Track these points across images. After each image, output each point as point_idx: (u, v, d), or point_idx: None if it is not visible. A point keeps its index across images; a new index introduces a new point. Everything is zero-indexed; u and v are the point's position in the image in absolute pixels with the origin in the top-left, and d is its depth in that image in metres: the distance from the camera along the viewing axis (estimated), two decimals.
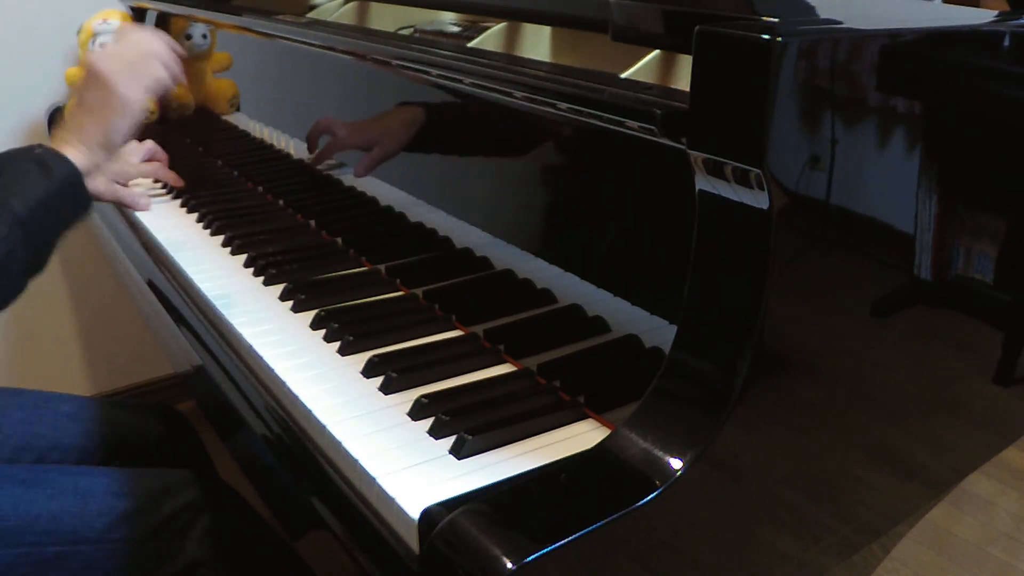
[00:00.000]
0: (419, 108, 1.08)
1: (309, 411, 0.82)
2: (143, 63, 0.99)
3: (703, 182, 0.68)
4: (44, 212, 0.88)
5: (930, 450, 0.91)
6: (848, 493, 0.82)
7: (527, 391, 0.84)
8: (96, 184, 1.29)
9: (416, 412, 0.80)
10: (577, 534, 0.61)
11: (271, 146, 1.48)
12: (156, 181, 1.45)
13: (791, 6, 0.80)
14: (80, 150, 0.93)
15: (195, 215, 1.35)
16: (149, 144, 1.42)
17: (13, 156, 0.91)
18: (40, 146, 0.91)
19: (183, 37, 1.70)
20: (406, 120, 1.10)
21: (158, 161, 1.41)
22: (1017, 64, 0.84)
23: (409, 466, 0.73)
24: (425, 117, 1.08)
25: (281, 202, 1.38)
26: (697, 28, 0.64)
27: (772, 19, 0.67)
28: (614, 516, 0.63)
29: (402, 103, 1.11)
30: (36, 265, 0.89)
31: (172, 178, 1.39)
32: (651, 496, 0.64)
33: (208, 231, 1.29)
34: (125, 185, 1.33)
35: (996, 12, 0.90)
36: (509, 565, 0.59)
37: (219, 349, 1.01)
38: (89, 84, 0.97)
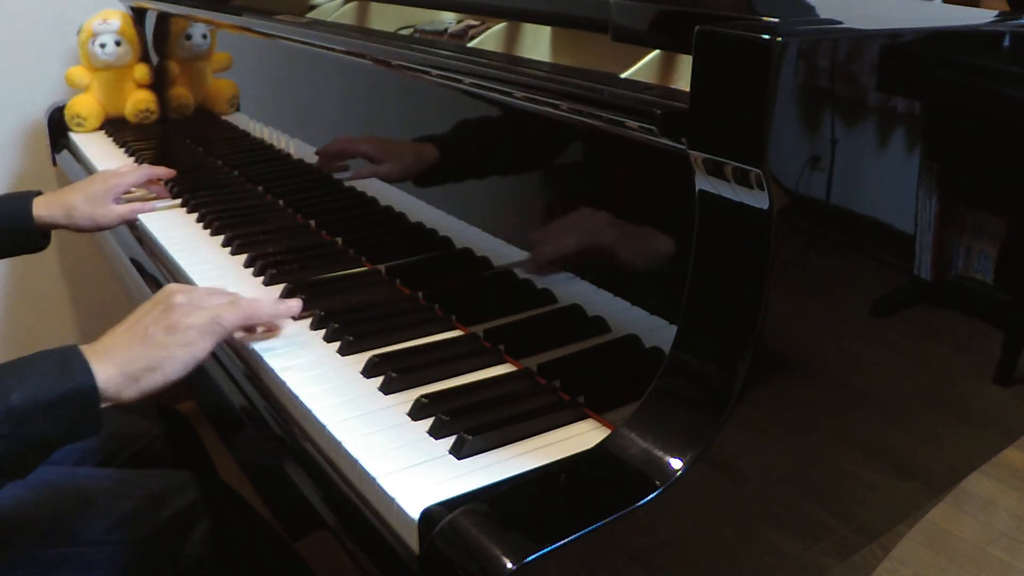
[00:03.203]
0: (435, 144, 1.07)
1: (309, 411, 0.82)
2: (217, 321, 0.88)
3: (703, 182, 0.68)
4: (42, 414, 0.76)
5: (930, 450, 0.90)
6: (848, 493, 0.82)
7: (527, 391, 0.84)
8: (97, 218, 1.29)
9: (416, 412, 0.80)
10: (577, 534, 0.61)
11: (271, 146, 1.48)
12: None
13: (791, 6, 0.80)
14: (109, 372, 0.80)
15: (195, 215, 1.35)
16: (147, 170, 1.42)
17: (48, 351, 0.81)
18: (76, 347, 0.82)
19: (183, 37, 1.70)
20: (422, 158, 1.09)
21: (158, 180, 1.43)
22: (1017, 64, 0.84)
23: (409, 466, 0.73)
24: (437, 145, 1.07)
25: (281, 202, 1.38)
26: (697, 28, 0.64)
27: (772, 19, 0.67)
28: (614, 516, 0.63)
29: (419, 140, 1.10)
30: (16, 468, 0.78)
31: (159, 190, 1.42)
32: (651, 496, 0.64)
33: (208, 231, 1.29)
34: (119, 200, 1.34)
35: (996, 12, 0.90)
36: (509, 565, 0.59)
37: (219, 349, 1.00)
38: (160, 315, 0.86)
